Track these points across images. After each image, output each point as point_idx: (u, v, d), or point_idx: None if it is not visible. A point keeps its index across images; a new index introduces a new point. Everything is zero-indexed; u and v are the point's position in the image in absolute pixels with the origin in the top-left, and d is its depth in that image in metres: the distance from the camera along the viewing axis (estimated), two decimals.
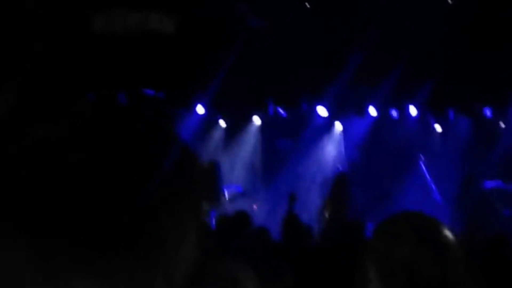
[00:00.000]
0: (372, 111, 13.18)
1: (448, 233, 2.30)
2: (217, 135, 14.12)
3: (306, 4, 11.36)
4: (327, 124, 13.75)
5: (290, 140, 13.84)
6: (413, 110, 12.90)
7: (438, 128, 13.21)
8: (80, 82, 9.54)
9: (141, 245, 0.91)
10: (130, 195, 0.91)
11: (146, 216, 0.92)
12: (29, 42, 7.57)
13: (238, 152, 13.94)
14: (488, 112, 12.51)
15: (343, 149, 13.58)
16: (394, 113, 13.18)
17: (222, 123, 14.20)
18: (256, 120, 13.97)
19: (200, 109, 13.49)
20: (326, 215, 9.14)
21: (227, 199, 10.01)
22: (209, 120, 13.92)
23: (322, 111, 13.23)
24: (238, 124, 13.98)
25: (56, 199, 0.89)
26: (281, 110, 13.58)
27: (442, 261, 2.18)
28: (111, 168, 0.92)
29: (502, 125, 12.63)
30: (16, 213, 0.90)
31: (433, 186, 11.83)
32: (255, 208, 11.62)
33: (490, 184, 11.23)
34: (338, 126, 13.88)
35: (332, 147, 13.73)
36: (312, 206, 10.11)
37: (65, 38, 8.90)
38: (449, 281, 2.19)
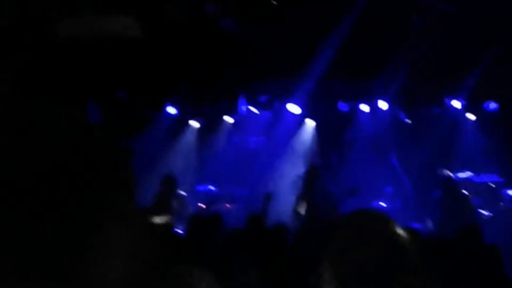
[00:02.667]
0: (344, 106, 13.25)
1: (401, 233, 2.28)
2: (189, 136, 14.10)
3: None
4: (299, 121, 13.78)
5: (263, 138, 13.85)
6: (383, 105, 12.98)
7: (408, 121, 13.28)
8: (50, 88, 9.46)
9: (63, 261, 0.88)
10: (49, 207, 0.87)
11: (68, 230, 0.88)
12: None
13: (210, 151, 13.94)
14: (457, 105, 12.65)
15: (315, 145, 13.61)
16: (365, 107, 13.25)
17: (194, 123, 14.18)
18: (228, 120, 13.96)
19: (171, 110, 13.46)
20: (300, 212, 9.13)
21: (188, 205, 10.00)
22: (181, 121, 13.89)
23: (294, 108, 13.25)
24: (210, 124, 13.97)
25: None
26: (253, 109, 13.59)
27: (396, 263, 2.16)
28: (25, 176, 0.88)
29: (471, 117, 12.78)
30: None
31: (406, 180, 11.92)
32: (229, 207, 11.62)
33: (461, 176, 11.37)
34: (310, 123, 13.92)
35: (305, 144, 13.76)
36: (287, 204, 10.11)
37: (33, 44, 8.82)
38: (404, 282, 2.19)
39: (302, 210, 9.13)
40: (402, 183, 12.03)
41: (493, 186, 11.51)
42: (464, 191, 10.05)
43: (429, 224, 9.92)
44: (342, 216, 2.47)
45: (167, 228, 6.65)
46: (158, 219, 7.32)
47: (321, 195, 9.20)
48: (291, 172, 11.95)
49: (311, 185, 9.38)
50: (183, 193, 10.21)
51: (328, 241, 2.34)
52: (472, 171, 11.74)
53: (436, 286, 3.65)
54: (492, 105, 12.20)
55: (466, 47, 10.97)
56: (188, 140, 13.99)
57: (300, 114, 13.46)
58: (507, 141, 11.81)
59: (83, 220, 0.90)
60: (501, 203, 11.22)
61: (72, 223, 0.89)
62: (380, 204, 11.72)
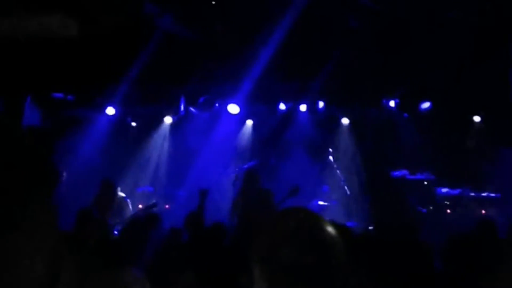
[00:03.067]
0: (282, 106, 13.36)
1: (331, 231, 2.30)
2: (128, 136, 14.00)
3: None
4: (239, 121, 13.83)
5: (202, 138, 13.83)
6: (320, 104, 13.14)
7: (345, 121, 13.51)
8: None
9: None
10: None
11: None
12: None
13: (149, 152, 13.87)
14: (392, 104, 12.89)
15: (254, 145, 13.68)
16: (303, 107, 13.37)
17: (133, 124, 14.08)
18: (167, 120, 13.92)
19: (110, 111, 13.34)
20: (237, 212, 9.16)
21: (128, 206, 9.97)
22: (120, 121, 13.78)
23: (233, 108, 13.30)
24: (150, 124, 13.90)
25: None
26: (192, 109, 13.57)
27: (325, 263, 2.17)
28: None
29: (406, 117, 13.04)
30: None
31: (343, 179, 12.05)
32: (167, 207, 11.58)
33: (397, 174, 11.59)
34: (249, 123, 13.98)
35: (244, 144, 13.80)
36: (226, 203, 10.13)
37: None
38: (331, 279, 2.24)
39: (239, 209, 9.16)
40: (338, 182, 12.17)
41: (426, 183, 11.78)
42: (399, 189, 10.25)
43: (365, 221, 10.09)
44: (273, 215, 2.50)
45: (104, 230, 6.61)
46: (95, 222, 7.26)
47: (259, 195, 9.23)
48: (230, 171, 11.99)
49: (249, 184, 9.42)
50: (122, 194, 10.15)
51: (257, 239, 2.37)
52: (406, 169, 11.98)
53: (366, 283, 3.75)
54: (426, 105, 12.48)
55: (401, 48, 11.19)
56: (128, 140, 13.89)
57: (240, 114, 13.51)
58: (439, 140, 12.11)
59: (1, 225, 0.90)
60: (433, 200, 11.50)
61: None
62: (318, 203, 11.84)
